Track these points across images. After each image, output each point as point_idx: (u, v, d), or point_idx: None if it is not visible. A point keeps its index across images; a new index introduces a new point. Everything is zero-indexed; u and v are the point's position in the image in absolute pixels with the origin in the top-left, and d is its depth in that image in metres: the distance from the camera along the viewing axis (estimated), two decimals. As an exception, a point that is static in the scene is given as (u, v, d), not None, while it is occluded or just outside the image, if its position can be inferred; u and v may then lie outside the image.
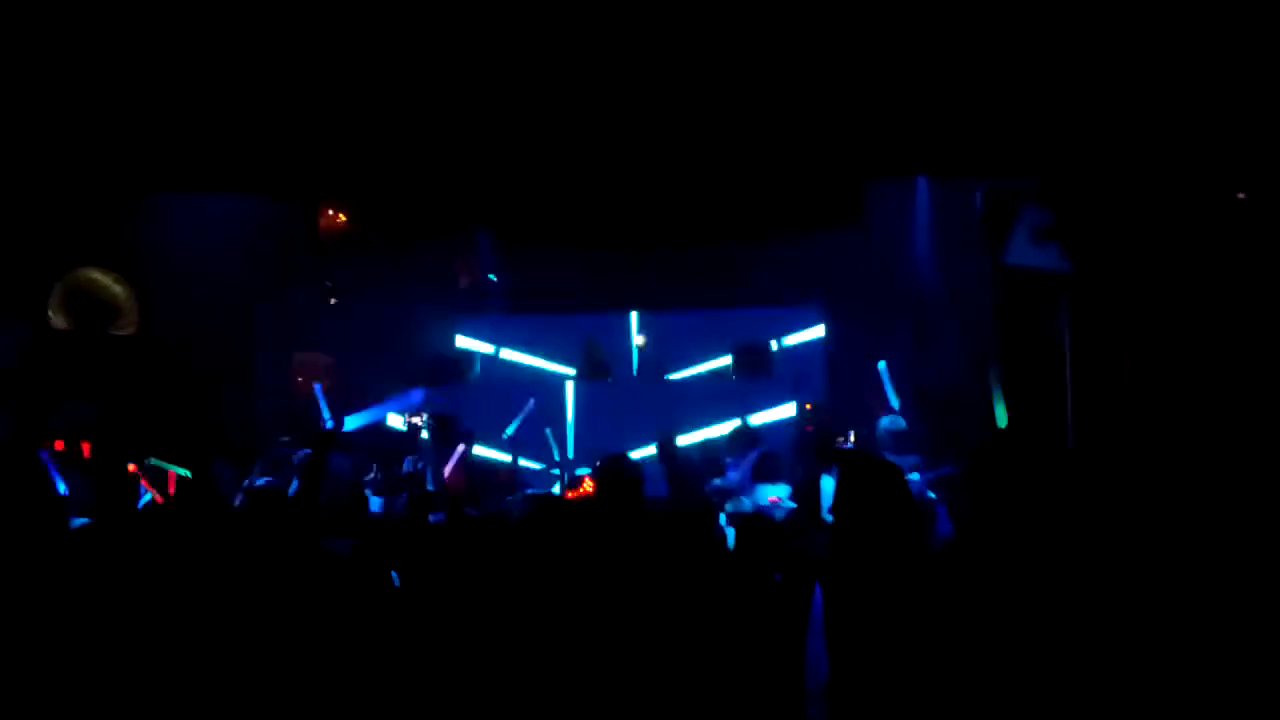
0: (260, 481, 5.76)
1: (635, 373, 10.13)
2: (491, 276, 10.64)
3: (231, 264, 8.79)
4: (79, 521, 3.57)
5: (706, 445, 7.61)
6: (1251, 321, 6.70)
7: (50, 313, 7.44)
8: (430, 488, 6.70)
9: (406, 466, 7.02)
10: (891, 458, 5.20)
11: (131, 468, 6.06)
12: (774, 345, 9.67)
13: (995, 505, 2.66)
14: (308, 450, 5.52)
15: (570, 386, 9.37)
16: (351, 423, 8.03)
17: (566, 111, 7.54)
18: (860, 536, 2.95)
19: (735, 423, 7.72)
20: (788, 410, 9.03)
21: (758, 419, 8.48)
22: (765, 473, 5.93)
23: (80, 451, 6.97)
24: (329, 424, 7.72)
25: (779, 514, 5.45)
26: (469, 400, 8.94)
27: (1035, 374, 7.95)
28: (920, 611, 2.68)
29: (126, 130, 7.27)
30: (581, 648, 3.15)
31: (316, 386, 8.29)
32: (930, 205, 9.28)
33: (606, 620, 3.20)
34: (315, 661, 3.16)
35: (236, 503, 5.12)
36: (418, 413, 8.14)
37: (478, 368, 9.95)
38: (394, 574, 3.78)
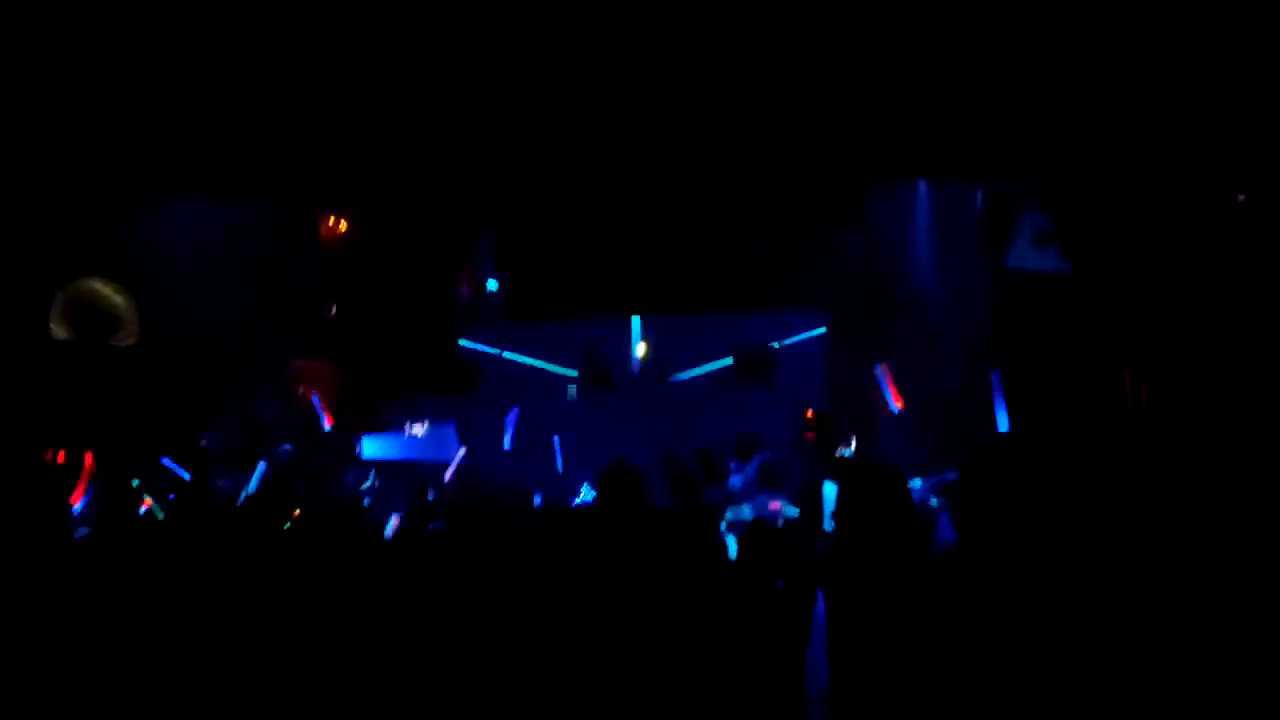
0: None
1: (636, 378, 10.14)
2: (492, 284, 10.64)
3: (232, 271, 8.78)
4: (81, 532, 3.58)
5: (707, 452, 7.61)
6: (1252, 323, 6.69)
7: (51, 323, 7.45)
8: (430, 497, 6.71)
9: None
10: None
11: (131, 479, 6.08)
12: (775, 350, 9.68)
13: (991, 510, 2.65)
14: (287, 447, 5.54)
15: (572, 393, 9.38)
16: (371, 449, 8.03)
17: (566, 117, 7.54)
18: (862, 543, 2.94)
19: (737, 429, 7.73)
20: (788, 416, 9.03)
21: (759, 425, 8.48)
22: (767, 480, 5.93)
23: (82, 462, 6.97)
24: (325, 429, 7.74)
25: (780, 521, 5.45)
26: (472, 409, 8.95)
27: (1036, 377, 7.95)
28: (922, 618, 2.67)
29: (128, 134, 7.27)
30: (582, 654, 3.15)
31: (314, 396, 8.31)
32: (930, 207, 9.27)
33: (607, 627, 3.20)
34: (316, 669, 3.16)
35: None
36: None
37: (480, 376, 9.96)
38: (389, 579, 3.78)
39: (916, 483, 5.63)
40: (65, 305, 7.49)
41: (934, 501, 5.69)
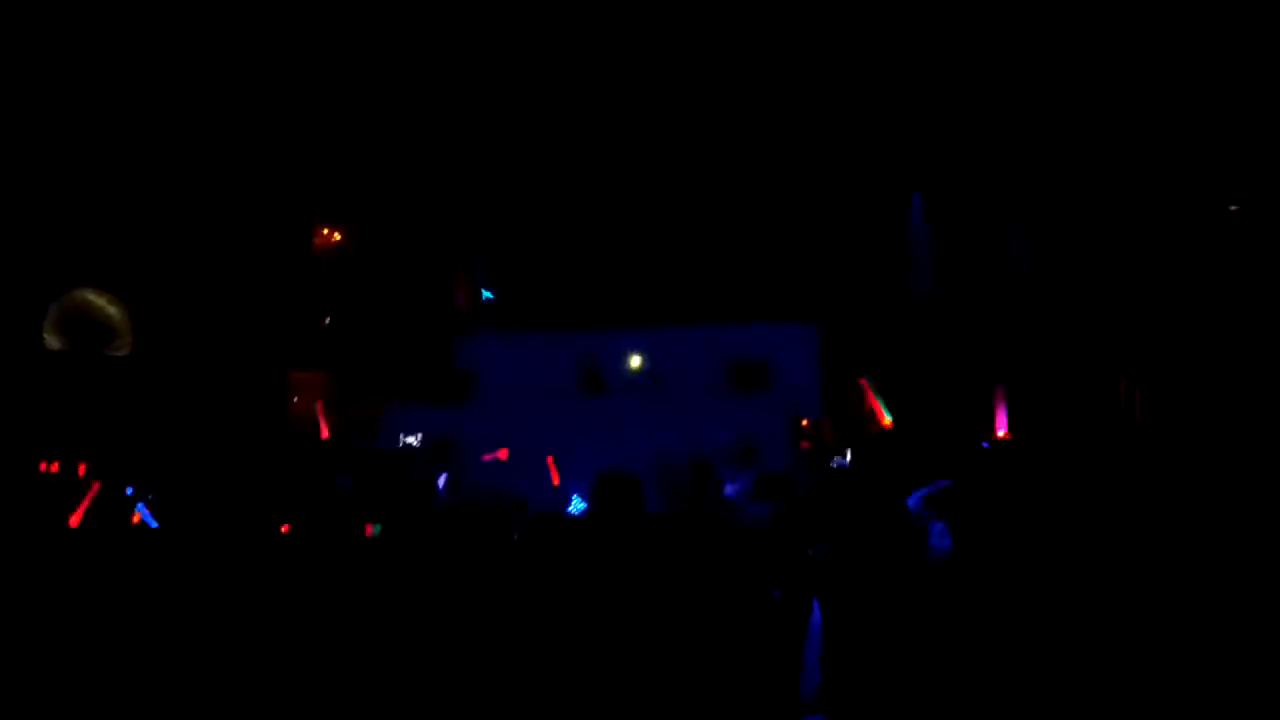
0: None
1: (631, 389, 10.11)
2: (487, 294, 10.63)
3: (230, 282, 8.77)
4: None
5: (702, 463, 7.60)
6: (1247, 330, 6.71)
7: (46, 334, 7.43)
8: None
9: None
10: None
11: (126, 489, 6.05)
12: (769, 360, 9.66)
13: (989, 517, 2.66)
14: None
15: (567, 403, 9.36)
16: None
17: (561, 130, 7.57)
18: (857, 552, 2.95)
19: (732, 440, 7.71)
20: (784, 427, 9.01)
21: (754, 437, 8.46)
22: (763, 492, 5.91)
23: (75, 473, 6.95)
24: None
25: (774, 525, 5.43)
26: (467, 419, 8.92)
27: (1033, 383, 7.96)
28: (916, 624, 2.67)
29: (130, 137, 7.28)
30: (579, 663, 3.14)
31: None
32: (926, 215, 9.29)
33: (604, 635, 3.19)
34: (313, 684, 3.15)
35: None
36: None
37: (475, 386, 9.92)
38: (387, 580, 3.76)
39: (912, 492, 5.61)
40: (60, 316, 7.48)
41: (927, 511, 5.67)
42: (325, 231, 10.19)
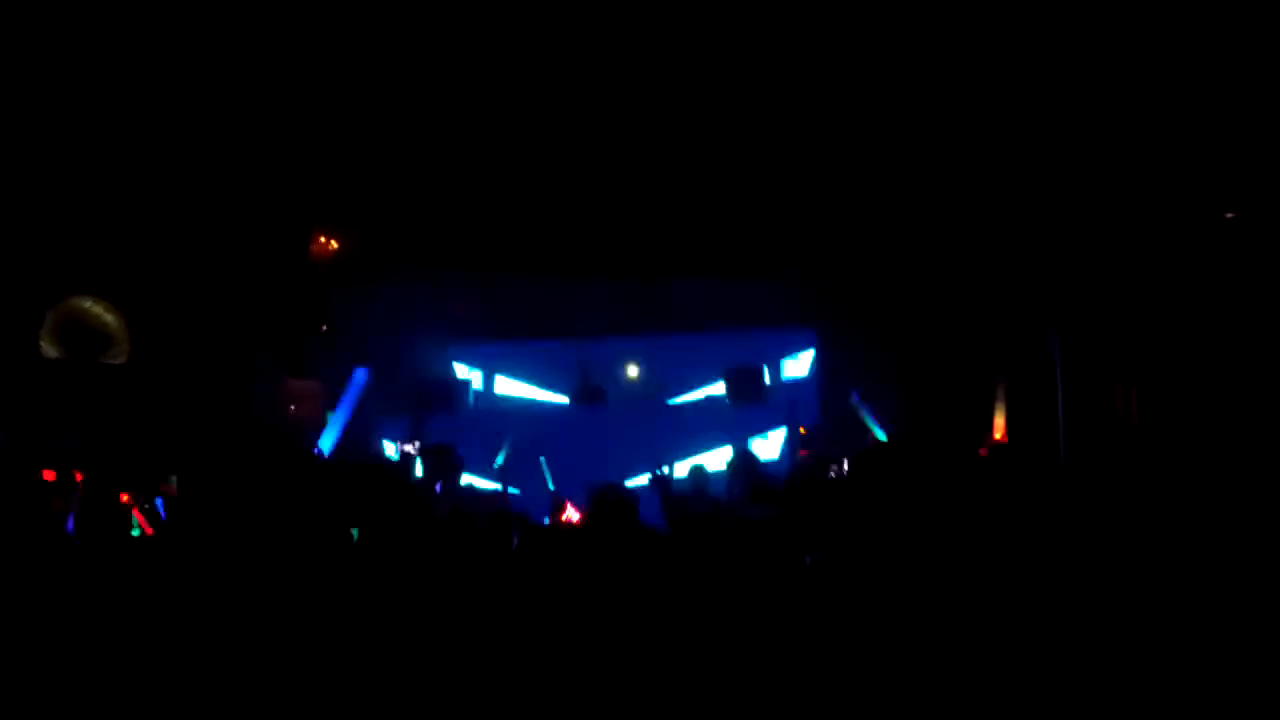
0: None
1: (628, 398, 10.12)
2: (481, 303, 10.64)
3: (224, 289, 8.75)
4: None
5: (699, 471, 7.61)
6: (1242, 339, 6.73)
7: (41, 341, 7.42)
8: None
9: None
10: None
11: (124, 497, 6.02)
12: (767, 370, 9.66)
13: (984, 520, 2.67)
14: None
15: (563, 412, 9.36)
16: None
17: (557, 137, 7.57)
18: (854, 558, 2.95)
19: (729, 448, 7.72)
20: (781, 435, 9.02)
21: (752, 444, 8.47)
22: (759, 498, 5.91)
23: (72, 480, 6.92)
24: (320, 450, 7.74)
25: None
26: (461, 427, 8.93)
27: (1028, 395, 7.97)
28: (913, 627, 2.68)
29: (129, 139, 7.27)
30: (579, 667, 3.15)
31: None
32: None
33: (603, 640, 3.20)
34: (312, 688, 3.15)
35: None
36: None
37: (470, 395, 9.93)
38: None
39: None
40: (55, 323, 7.46)
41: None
42: (322, 238, 10.17)
